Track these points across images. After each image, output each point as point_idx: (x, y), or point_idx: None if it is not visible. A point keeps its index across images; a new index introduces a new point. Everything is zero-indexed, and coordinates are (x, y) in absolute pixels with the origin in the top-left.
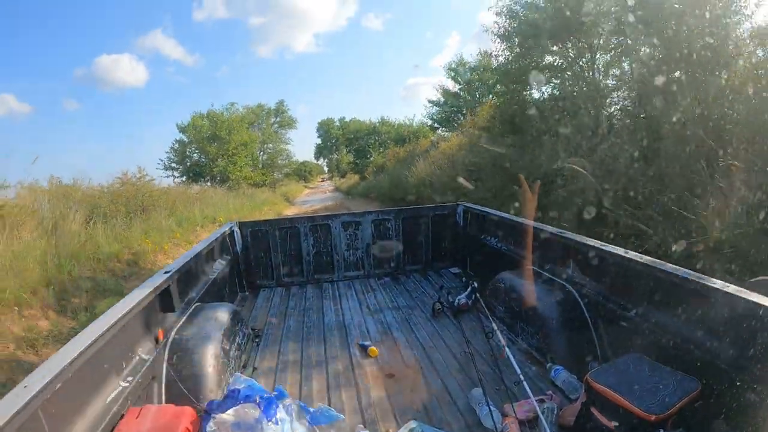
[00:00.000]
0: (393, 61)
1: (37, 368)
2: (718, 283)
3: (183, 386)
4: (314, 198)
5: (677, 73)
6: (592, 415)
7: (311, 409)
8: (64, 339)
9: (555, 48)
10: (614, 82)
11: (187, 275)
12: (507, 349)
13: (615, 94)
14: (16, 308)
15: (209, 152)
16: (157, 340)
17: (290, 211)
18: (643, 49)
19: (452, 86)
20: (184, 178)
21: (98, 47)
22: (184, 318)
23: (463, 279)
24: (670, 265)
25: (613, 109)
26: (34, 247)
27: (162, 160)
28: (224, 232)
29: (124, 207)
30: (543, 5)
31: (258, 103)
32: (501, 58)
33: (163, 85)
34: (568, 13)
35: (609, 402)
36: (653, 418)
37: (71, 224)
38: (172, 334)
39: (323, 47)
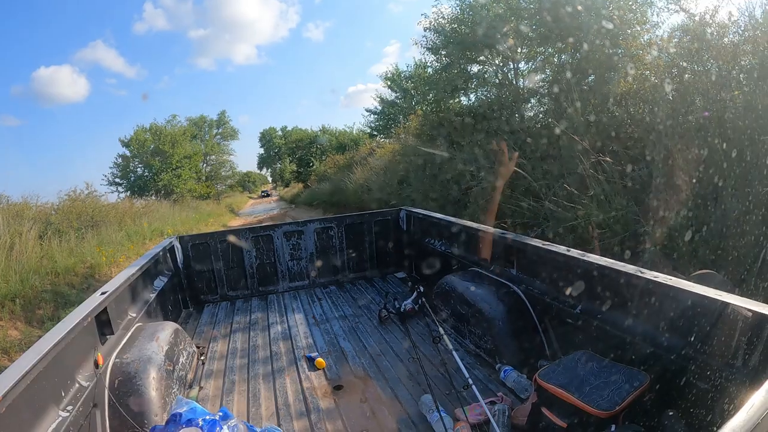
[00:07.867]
0: (334, 69)
1: None
2: (661, 277)
3: (126, 412)
4: (259, 208)
5: (573, 85)
6: (544, 415)
7: (258, 430)
8: None
9: (481, 58)
10: (530, 88)
11: (125, 295)
12: (455, 353)
13: (532, 101)
14: None
15: (153, 166)
16: (96, 365)
17: (236, 223)
18: (555, 59)
19: (389, 95)
20: (128, 193)
21: (35, 61)
22: (125, 340)
23: (409, 284)
24: (612, 260)
25: (533, 113)
26: None
27: (106, 176)
28: (164, 247)
29: (76, 222)
30: (466, 18)
31: (200, 114)
32: (430, 70)
33: (104, 99)
34: (487, 26)
35: (559, 401)
36: (604, 414)
37: (27, 241)
38: (113, 357)
39: (265, 58)
